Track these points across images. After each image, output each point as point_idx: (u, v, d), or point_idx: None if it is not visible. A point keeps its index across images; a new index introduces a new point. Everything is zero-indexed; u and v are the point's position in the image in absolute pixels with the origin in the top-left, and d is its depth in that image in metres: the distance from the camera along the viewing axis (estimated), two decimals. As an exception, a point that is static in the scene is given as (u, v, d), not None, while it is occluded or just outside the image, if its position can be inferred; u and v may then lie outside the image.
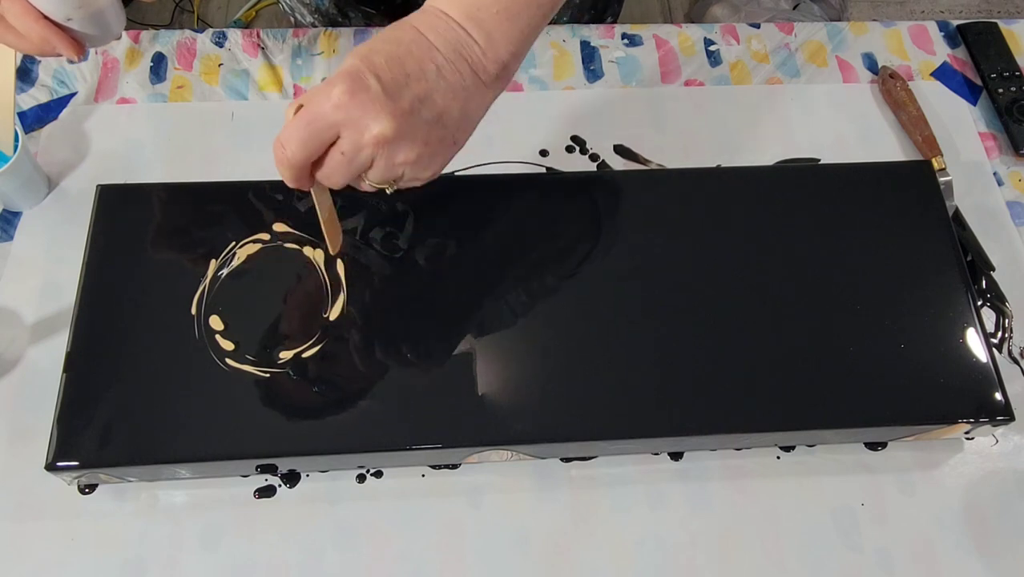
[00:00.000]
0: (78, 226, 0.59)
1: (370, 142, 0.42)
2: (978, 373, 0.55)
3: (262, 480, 0.55)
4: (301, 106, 0.43)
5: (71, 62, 0.72)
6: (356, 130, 0.42)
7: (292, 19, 0.87)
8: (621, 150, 0.69)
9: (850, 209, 0.60)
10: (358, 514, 0.54)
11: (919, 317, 0.56)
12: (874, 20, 0.80)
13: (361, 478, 0.55)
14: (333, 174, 0.45)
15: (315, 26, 0.85)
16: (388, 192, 0.47)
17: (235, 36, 0.75)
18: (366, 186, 0.47)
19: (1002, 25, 0.78)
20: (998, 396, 0.54)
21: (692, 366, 0.54)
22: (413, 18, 0.45)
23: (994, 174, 0.70)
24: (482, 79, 0.45)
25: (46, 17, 0.50)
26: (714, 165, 0.68)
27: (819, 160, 0.69)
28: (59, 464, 0.50)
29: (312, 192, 0.48)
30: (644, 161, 0.69)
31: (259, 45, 0.74)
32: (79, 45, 0.53)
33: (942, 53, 0.77)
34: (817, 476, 0.56)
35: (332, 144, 0.43)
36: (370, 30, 0.76)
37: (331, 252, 0.56)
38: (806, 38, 0.77)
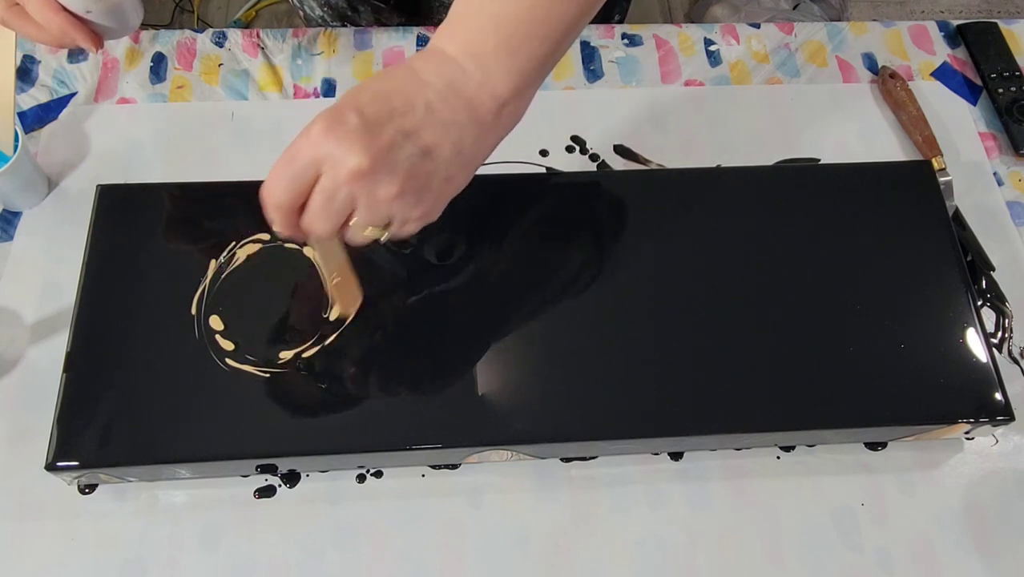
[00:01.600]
0: (78, 226, 0.59)
1: (347, 177, 0.41)
2: (978, 373, 0.55)
3: (262, 480, 0.55)
4: None
5: (73, 61, 0.72)
6: (333, 166, 0.41)
7: (301, 13, 0.87)
8: (621, 150, 0.69)
9: (850, 209, 0.60)
10: (358, 514, 0.54)
11: (919, 317, 0.56)
12: (874, 20, 0.80)
13: (361, 478, 0.55)
14: (316, 217, 0.43)
15: (324, 20, 0.85)
16: (382, 241, 0.45)
17: (235, 36, 0.75)
18: (358, 236, 0.45)
19: (1002, 25, 0.78)
20: (998, 396, 0.54)
21: (692, 366, 0.54)
22: (411, 58, 0.44)
23: (994, 174, 0.70)
24: (480, 116, 0.43)
25: (66, 9, 0.51)
26: (714, 165, 0.68)
27: (819, 160, 0.69)
28: (59, 464, 0.50)
29: (313, 246, 0.46)
30: (644, 161, 0.69)
31: (259, 45, 0.74)
32: (97, 37, 0.53)
33: (942, 53, 0.77)
34: (817, 476, 0.56)
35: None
36: (370, 30, 0.76)
37: (340, 314, 0.53)
38: (806, 38, 0.77)
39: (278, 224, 0.44)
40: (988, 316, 0.63)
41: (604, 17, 0.86)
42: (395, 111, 0.41)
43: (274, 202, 0.42)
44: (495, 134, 0.45)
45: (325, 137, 0.40)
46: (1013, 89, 0.73)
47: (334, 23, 0.85)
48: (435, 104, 0.42)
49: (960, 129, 0.72)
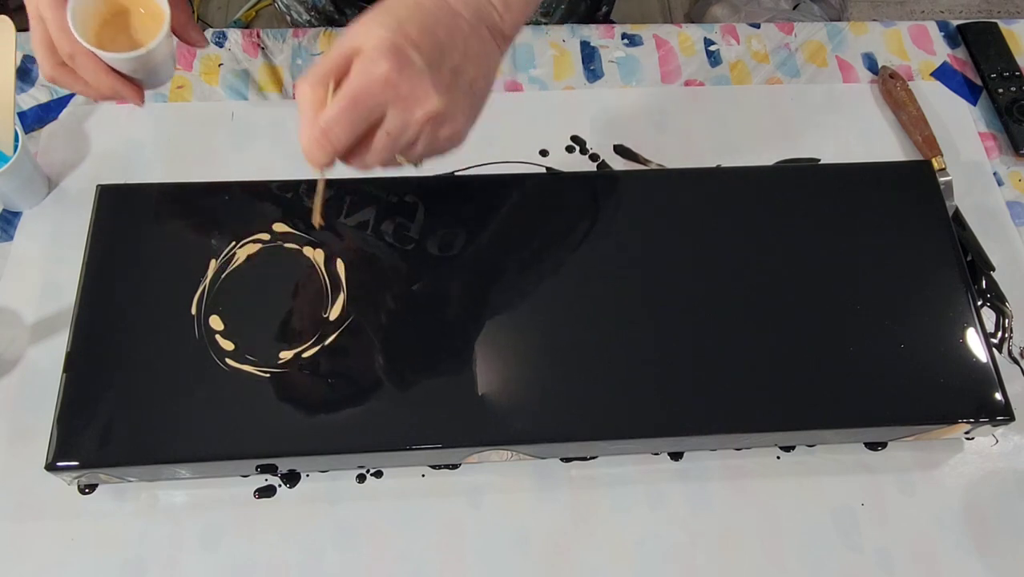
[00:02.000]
0: (78, 226, 0.59)
1: (420, 119, 0.41)
2: (978, 373, 0.55)
3: (262, 480, 0.55)
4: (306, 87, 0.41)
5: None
6: (405, 108, 0.40)
7: (288, 18, 0.87)
8: (621, 150, 0.69)
9: (850, 209, 0.60)
10: (358, 514, 0.54)
11: (919, 317, 0.56)
12: (874, 20, 0.80)
13: (361, 478, 0.55)
14: (376, 156, 0.42)
15: (311, 24, 0.85)
16: (416, 166, 0.45)
17: (235, 36, 0.75)
18: (397, 164, 0.45)
19: (1002, 25, 0.78)
20: (998, 396, 0.54)
21: (692, 366, 0.54)
22: None
23: (994, 174, 0.70)
24: (500, 46, 0.45)
25: (113, 70, 0.52)
26: (714, 165, 0.68)
27: (819, 160, 0.69)
28: (59, 464, 0.50)
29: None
30: (644, 161, 0.69)
31: (259, 45, 0.74)
32: (141, 91, 0.55)
33: (942, 53, 0.77)
34: (817, 476, 0.56)
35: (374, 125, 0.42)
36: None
37: (317, 224, 0.53)
38: (806, 38, 0.77)
39: (322, 164, 0.42)
40: (988, 316, 0.63)
41: (592, 8, 0.86)
42: (444, 46, 0.42)
43: (333, 143, 0.41)
44: (502, 58, 0.46)
45: (399, 78, 0.40)
46: (1013, 89, 0.73)
47: (322, 27, 0.85)
48: (470, 37, 0.43)
49: (960, 129, 0.72)
